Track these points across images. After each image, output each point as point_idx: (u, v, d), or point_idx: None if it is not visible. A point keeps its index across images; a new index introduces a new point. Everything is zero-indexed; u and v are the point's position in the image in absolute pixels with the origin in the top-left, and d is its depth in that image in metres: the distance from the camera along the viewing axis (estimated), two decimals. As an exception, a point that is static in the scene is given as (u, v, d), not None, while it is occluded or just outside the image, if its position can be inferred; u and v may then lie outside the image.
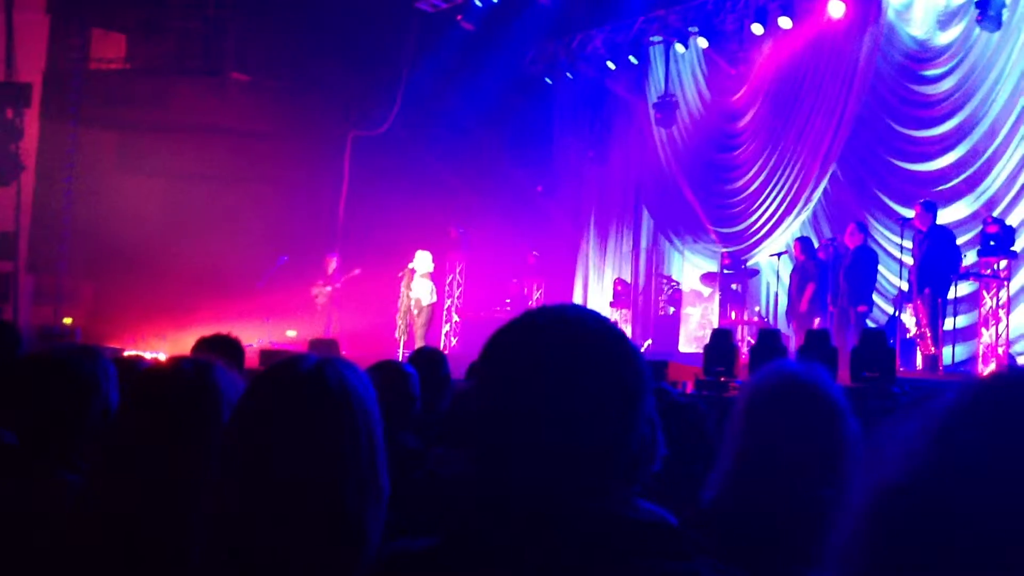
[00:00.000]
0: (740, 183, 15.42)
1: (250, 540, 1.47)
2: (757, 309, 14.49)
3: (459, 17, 15.18)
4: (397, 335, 14.04)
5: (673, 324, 15.87)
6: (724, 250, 15.19)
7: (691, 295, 16.13)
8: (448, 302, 16.39)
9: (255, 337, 13.85)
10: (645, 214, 17.20)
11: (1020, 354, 11.39)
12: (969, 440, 0.69)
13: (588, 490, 1.28)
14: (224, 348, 4.13)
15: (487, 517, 1.29)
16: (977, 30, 12.15)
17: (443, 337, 16.23)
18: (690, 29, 14.89)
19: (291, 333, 15.03)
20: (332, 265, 15.31)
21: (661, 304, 16.17)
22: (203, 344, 4.17)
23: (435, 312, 14.63)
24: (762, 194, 14.90)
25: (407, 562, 1.35)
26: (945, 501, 0.67)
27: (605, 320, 1.38)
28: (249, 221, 15.60)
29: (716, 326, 13.22)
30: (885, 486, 0.73)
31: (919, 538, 0.68)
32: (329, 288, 15.14)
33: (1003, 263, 11.12)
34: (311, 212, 16.43)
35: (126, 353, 9.91)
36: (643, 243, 17.16)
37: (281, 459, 1.47)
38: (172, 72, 16.43)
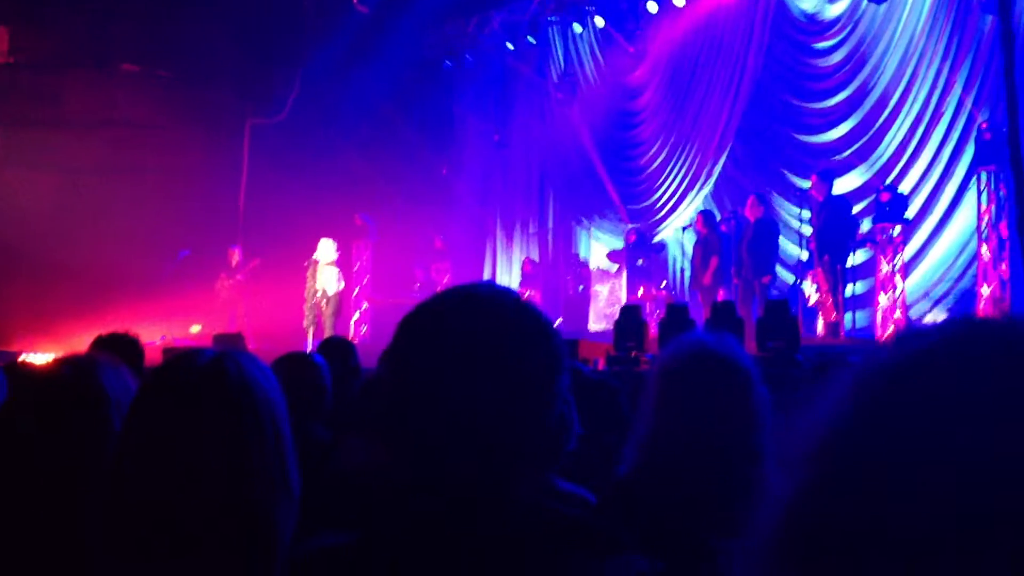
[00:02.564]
0: (643, 160, 15.57)
1: (154, 543, 1.40)
2: (664, 283, 14.67)
3: (355, 0, 14.96)
4: (305, 325, 13.86)
5: (583, 302, 15.98)
6: (630, 227, 15.34)
7: (599, 273, 16.26)
8: (356, 290, 16.21)
9: (158, 334, 13.51)
10: (551, 194, 17.26)
11: (918, 317, 11.77)
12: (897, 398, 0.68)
13: (509, 476, 1.24)
14: (122, 347, 3.97)
15: (407, 511, 1.24)
16: (864, 2, 12.46)
17: (352, 326, 16.05)
18: (587, 8, 14.94)
19: (195, 329, 14.70)
20: (235, 257, 15.00)
21: (570, 283, 16.27)
22: (99, 344, 4.01)
23: (343, 301, 14.48)
24: (665, 170, 15.07)
25: (326, 560, 1.30)
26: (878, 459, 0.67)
27: (518, 296, 1.33)
28: (146, 215, 15.15)
29: (624, 302, 13.35)
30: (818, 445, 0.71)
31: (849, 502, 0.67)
32: (231, 281, 14.84)
33: (897, 229, 11.45)
34: (211, 204, 16.03)
35: (21, 359, 9.56)
36: (550, 223, 17.23)
37: (182, 458, 1.39)
38: (59, 65, 15.86)
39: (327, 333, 12.94)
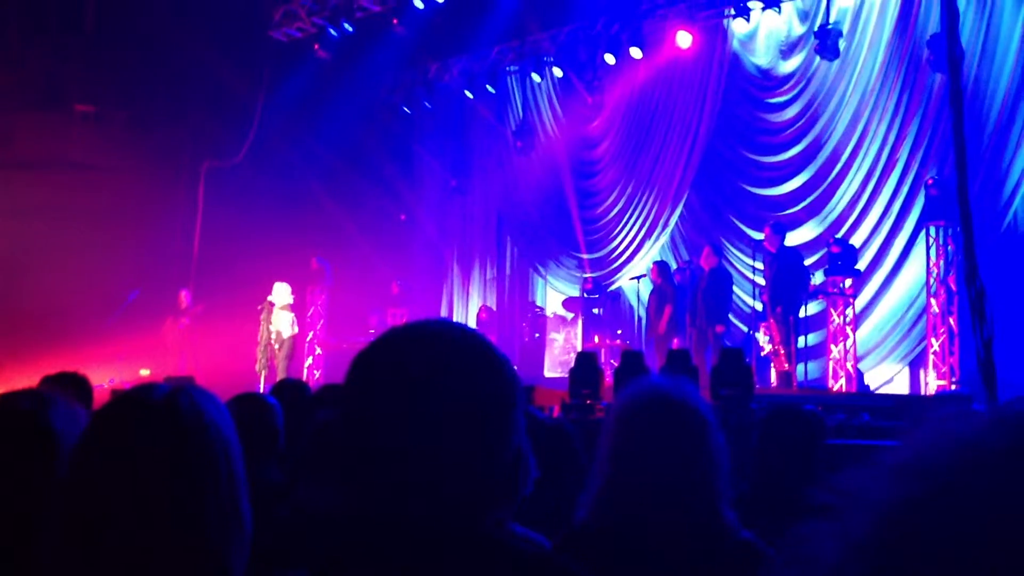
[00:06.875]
0: (600, 209, 15.70)
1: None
2: (619, 332, 14.73)
3: (316, 46, 14.99)
4: (258, 369, 13.69)
5: (538, 350, 15.98)
6: (586, 275, 15.42)
7: (555, 320, 16.29)
8: (310, 335, 16.07)
9: (106, 378, 13.26)
10: (508, 241, 17.32)
11: (867, 369, 11.91)
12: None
13: (468, 512, 1.22)
14: (70, 386, 3.89)
15: (364, 549, 1.22)
16: (817, 59, 12.74)
17: (305, 370, 15.89)
18: (545, 58, 15.11)
19: (144, 372, 14.45)
20: (184, 300, 14.83)
21: (526, 330, 16.28)
22: (47, 383, 3.92)
23: (297, 344, 14.34)
24: (622, 220, 15.20)
25: None
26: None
27: (471, 331, 1.32)
28: (98, 258, 14.90)
29: (580, 350, 13.37)
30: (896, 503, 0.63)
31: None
32: (177, 324, 14.65)
33: (848, 281, 11.62)
34: (164, 246, 15.84)
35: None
36: (507, 269, 17.27)
37: (134, 492, 1.36)
38: (12, 105, 15.66)
39: (280, 377, 12.78)
